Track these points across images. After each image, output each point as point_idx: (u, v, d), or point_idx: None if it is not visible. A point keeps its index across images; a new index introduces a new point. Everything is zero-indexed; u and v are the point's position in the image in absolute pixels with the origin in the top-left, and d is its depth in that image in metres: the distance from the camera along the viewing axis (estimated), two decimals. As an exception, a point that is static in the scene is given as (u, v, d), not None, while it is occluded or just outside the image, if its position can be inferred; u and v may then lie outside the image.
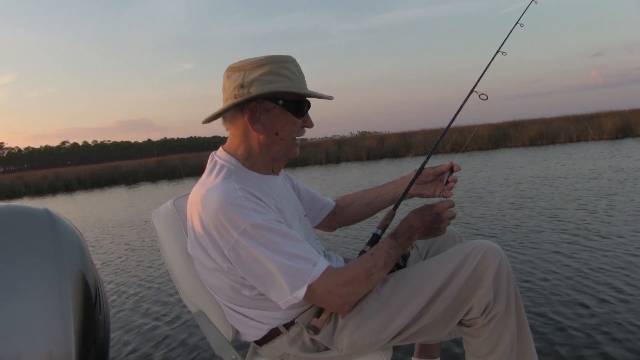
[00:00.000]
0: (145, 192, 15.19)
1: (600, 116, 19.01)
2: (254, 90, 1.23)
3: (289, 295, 1.15)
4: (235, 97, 1.25)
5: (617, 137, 16.31)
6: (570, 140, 17.23)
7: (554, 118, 21.14)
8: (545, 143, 17.37)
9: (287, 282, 1.14)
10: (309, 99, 1.33)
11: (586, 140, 16.91)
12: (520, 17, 1.90)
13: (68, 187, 20.59)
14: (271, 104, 1.26)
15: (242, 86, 1.24)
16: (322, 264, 1.18)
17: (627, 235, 4.00)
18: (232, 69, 1.28)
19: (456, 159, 1.49)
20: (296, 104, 1.29)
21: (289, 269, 1.14)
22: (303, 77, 1.31)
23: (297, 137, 1.34)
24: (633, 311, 2.52)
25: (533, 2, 1.97)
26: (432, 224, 1.31)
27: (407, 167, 13.87)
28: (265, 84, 1.23)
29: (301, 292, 1.14)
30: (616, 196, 5.76)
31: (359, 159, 19.70)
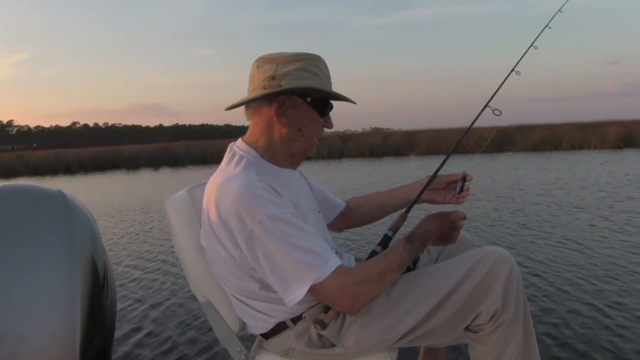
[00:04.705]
0: (145, 178, 15.17)
1: (604, 125, 18.98)
2: (285, 84, 1.24)
3: (296, 289, 1.14)
4: (265, 88, 1.25)
5: (618, 147, 16.29)
6: (573, 147, 17.22)
7: (560, 124, 21.11)
8: (548, 149, 17.36)
9: (296, 276, 1.14)
10: (332, 101, 1.34)
11: (589, 148, 16.90)
12: (534, 41, 1.93)
13: (68, 168, 20.53)
14: (299, 99, 1.28)
15: (273, 78, 1.25)
16: (335, 261, 1.17)
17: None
18: (264, 60, 1.29)
19: (464, 163, 1.50)
20: (322, 103, 1.31)
21: (301, 263, 1.14)
22: (330, 78, 1.33)
23: (316, 137, 1.35)
24: None
25: (547, 27, 1.99)
26: (447, 231, 1.30)
27: (409, 166, 13.82)
28: (297, 80, 1.24)
29: (308, 287, 1.14)
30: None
31: (361, 155, 19.58)
